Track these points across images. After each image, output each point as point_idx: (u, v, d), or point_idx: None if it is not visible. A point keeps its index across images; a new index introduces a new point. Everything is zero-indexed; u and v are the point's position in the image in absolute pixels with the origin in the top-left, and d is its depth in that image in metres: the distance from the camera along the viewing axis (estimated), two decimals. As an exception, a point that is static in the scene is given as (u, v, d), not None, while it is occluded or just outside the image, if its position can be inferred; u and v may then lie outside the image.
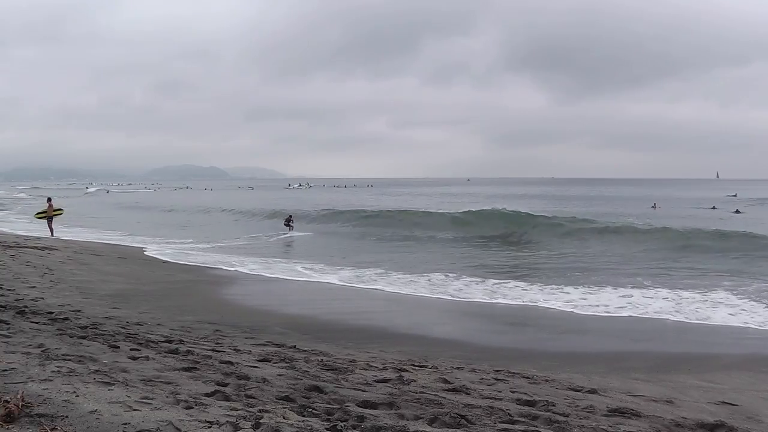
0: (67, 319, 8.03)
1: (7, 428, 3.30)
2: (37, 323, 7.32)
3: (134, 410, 3.67)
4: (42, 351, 5.34)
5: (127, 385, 4.36)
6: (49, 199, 28.51)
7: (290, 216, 34.94)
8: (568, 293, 13.88)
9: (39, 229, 26.29)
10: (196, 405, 4.00)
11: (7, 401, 3.54)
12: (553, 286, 14.87)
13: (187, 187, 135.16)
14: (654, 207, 52.37)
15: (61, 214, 28.49)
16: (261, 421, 3.70)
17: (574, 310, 12.03)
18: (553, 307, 12.35)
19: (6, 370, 4.42)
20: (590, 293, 13.83)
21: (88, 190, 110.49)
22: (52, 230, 25.52)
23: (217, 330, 8.69)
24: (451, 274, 16.50)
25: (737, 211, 45.08)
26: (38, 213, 28.26)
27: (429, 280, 15.69)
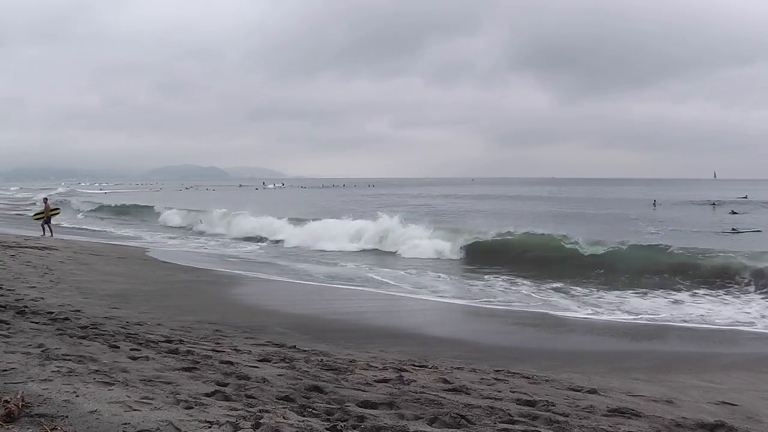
0: (67, 319, 8.03)
1: (7, 428, 3.31)
2: (37, 323, 7.31)
3: (134, 410, 3.67)
4: (42, 351, 5.34)
5: (127, 385, 4.36)
6: (46, 199, 28.29)
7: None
8: (571, 296, 13.88)
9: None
10: (196, 405, 4.00)
11: (7, 401, 3.54)
12: (555, 288, 14.88)
13: (187, 188, 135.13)
14: (654, 206, 54.90)
15: (58, 213, 28.18)
16: (261, 421, 3.70)
17: (575, 313, 12.03)
18: (553, 309, 12.35)
19: (6, 370, 4.42)
20: (592, 296, 13.85)
21: (58, 190, 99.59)
22: (51, 230, 24.88)
23: (217, 330, 8.69)
24: (451, 276, 16.51)
25: (733, 212, 45.59)
26: (36, 214, 27.86)
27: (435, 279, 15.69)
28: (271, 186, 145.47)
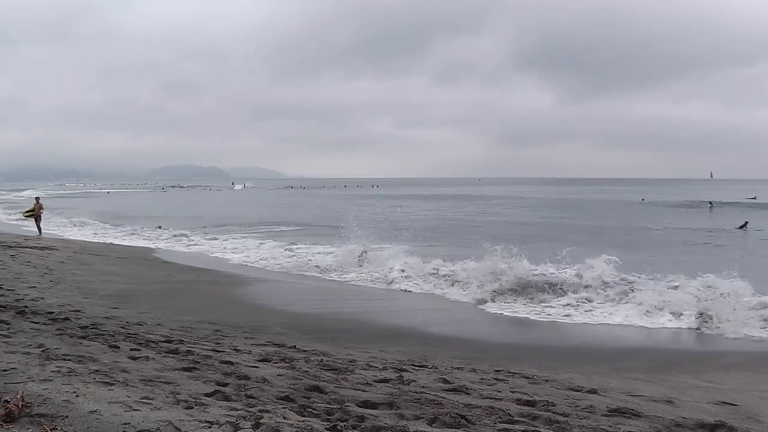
0: (67, 319, 8.03)
1: (7, 428, 3.31)
2: (37, 323, 7.32)
3: (134, 410, 3.67)
4: (42, 351, 5.35)
5: (127, 385, 4.37)
6: (38, 199, 28.59)
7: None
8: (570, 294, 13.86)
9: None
10: (196, 405, 4.01)
11: (7, 401, 3.54)
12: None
13: (182, 187, 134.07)
14: (642, 201, 62.20)
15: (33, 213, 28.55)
16: (261, 421, 3.70)
17: (574, 311, 12.02)
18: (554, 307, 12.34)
19: (6, 370, 4.42)
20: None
21: (24, 193, 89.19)
22: (40, 229, 25.57)
23: (217, 330, 8.69)
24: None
25: (710, 204, 49.37)
26: (26, 211, 28.23)
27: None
28: (239, 186, 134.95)
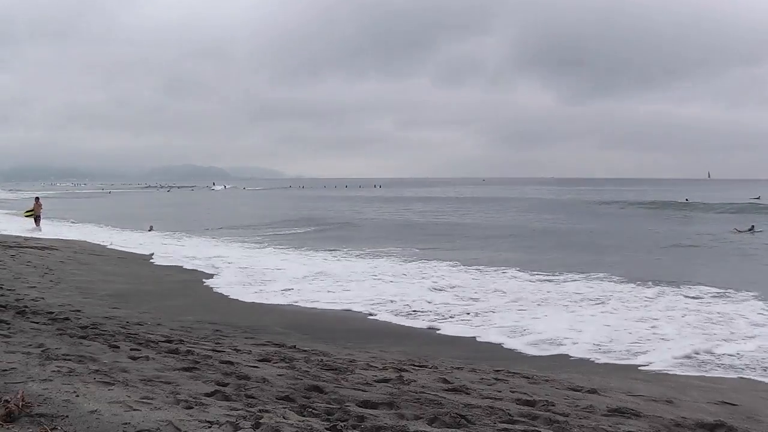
0: (67, 319, 8.04)
1: (8, 428, 3.31)
2: (37, 323, 7.32)
3: (134, 410, 3.67)
4: (42, 351, 5.35)
5: (127, 385, 4.37)
6: (37, 198, 29.04)
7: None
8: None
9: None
10: (196, 405, 4.01)
11: (7, 401, 3.55)
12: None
13: (174, 187, 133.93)
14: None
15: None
16: (261, 421, 3.71)
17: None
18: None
19: (6, 370, 4.42)
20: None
21: None
22: (38, 225, 27.01)
23: (217, 330, 8.69)
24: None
25: (686, 200, 53.24)
26: (27, 211, 28.80)
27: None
28: (219, 188, 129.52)
